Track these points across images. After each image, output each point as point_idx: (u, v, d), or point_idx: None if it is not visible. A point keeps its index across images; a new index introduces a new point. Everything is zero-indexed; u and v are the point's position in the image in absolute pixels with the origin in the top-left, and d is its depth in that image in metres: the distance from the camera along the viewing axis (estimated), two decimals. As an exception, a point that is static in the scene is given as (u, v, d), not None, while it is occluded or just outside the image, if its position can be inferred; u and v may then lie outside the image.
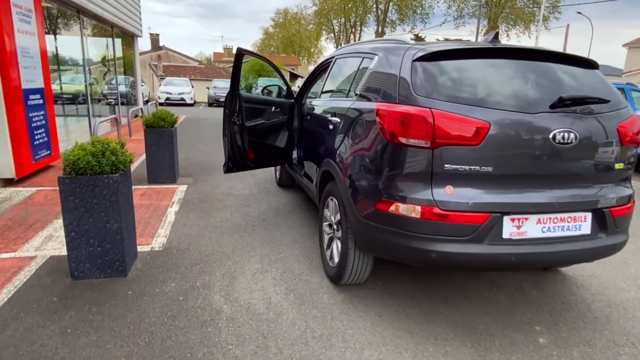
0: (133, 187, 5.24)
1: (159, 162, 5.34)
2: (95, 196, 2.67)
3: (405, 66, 2.33)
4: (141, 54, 33.90)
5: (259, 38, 57.97)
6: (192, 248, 3.42)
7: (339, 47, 3.84)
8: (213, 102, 21.66)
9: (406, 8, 41.44)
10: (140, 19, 12.95)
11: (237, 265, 3.14)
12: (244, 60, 3.91)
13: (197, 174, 6.07)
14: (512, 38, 36.13)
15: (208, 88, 22.95)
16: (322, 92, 3.72)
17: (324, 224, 3.13)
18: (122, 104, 11.98)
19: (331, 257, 2.94)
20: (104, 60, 11.03)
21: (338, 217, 2.80)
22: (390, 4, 42.10)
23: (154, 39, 35.43)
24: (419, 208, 2.15)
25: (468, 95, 2.18)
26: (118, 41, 11.76)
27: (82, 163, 2.62)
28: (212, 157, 7.35)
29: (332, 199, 2.93)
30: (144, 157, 5.63)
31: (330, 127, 3.05)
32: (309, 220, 4.20)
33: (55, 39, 7.98)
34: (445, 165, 2.12)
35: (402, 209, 2.19)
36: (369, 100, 2.60)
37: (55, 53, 7.96)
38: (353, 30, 46.34)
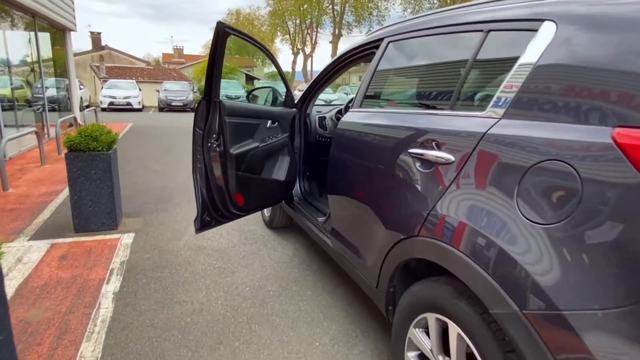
0: (50, 241, 3.54)
1: (91, 201, 3.62)
2: None
3: None
4: (80, 54, 30.87)
5: (210, 39, 55.30)
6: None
7: (393, 23, 2.11)
8: (164, 107, 19.47)
9: (362, 10, 41.44)
10: (74, 10, 10.84)
11: None
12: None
13: (149, 210, 4.37)
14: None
15: (158, 91, 20.68)
16: (370, 98, 2.22)
17: (411, 354, 1.64)
18: (54, 110, 9.86)
19: None
20: (26, 59, 8.91)
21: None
22: (346, 5, 41.91)
23: (95, 37, 32.26)
24: None
25: None
26: (45, 36, 9.65)
27: None
28: (169, 181, 5.63)
29: (438, 320, 1.45)
30: (66, 192, 3.83)
31: (422, 169, 1.56)
32: (340, 301, 2.68)
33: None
34: None
35: None
36: (548, 119, 1.16)
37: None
38: (309, 31, 45.71)
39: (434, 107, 1.71)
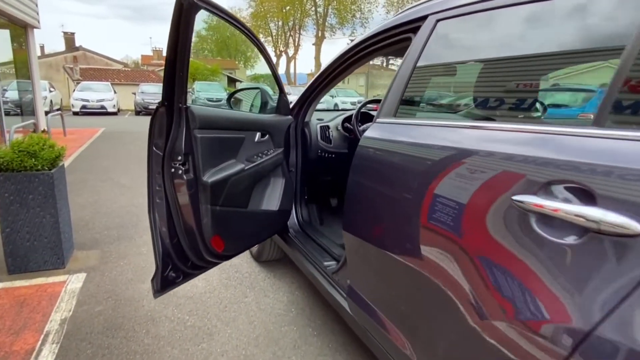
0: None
1: (29, 234, 2.83)
2: None
3: None
4: (53, 54, 29.49)
5: (192, 41, 54.32)
6: None
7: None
8: (141, 110, 18.47)
9: (345, 12, 41.35)
10: (36, 5, 9.89)
11: None
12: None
13: (110, 238, 3.58)
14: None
15: (134, 94, 19.67)
16: (410, 104, 1.51)
17: None
18: (17, 115, 8.91)
19: None
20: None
21: None
22: (329, 7, 41.78)
23: (69, 38, 30.85)
24: None
25: None
26: (3, 33, 8.72)
27: None
28: (138, 198, 4.84)
29: None
30: None
31: (552, 238, 0.86)
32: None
33: None
34: None
35: None
36: None
37: None
38: (292, 33, 45.38)
39: (557, 122, 1.03)
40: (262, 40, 45.30)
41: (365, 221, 1.54)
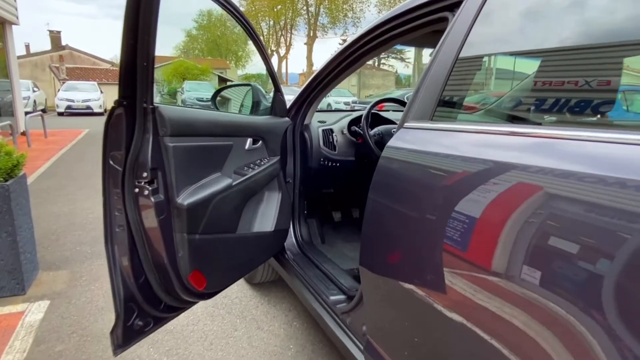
0: None
1: (-19, 256, 2.42)
2: None
3: None
4: (39, 54, 28.73)
5: (182, 41, 53.92)
6: None
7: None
8: None
9: (337, 11, 41.23)
10: (15, 0, 9.39)
11: None
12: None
13: (82, 255, 3.17)
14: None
15: None
16: (452, 105, 1.14)
17: None
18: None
19: None
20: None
21: None
22: (321, 7, 41.65)
23: (55, 36, 30.11)
24: None
25: None
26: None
27: None
28: (118, 208, 4.41)
29: None
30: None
31: None
32: None
33: None
34: None
35: None
36: None
37: None
38: (283, 33, 45.13)
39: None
40: (254, 39, 45.46)
41: (391, 255, 1.17)
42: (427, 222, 1.01)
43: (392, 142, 1.18)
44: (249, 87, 2.16)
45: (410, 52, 39.98)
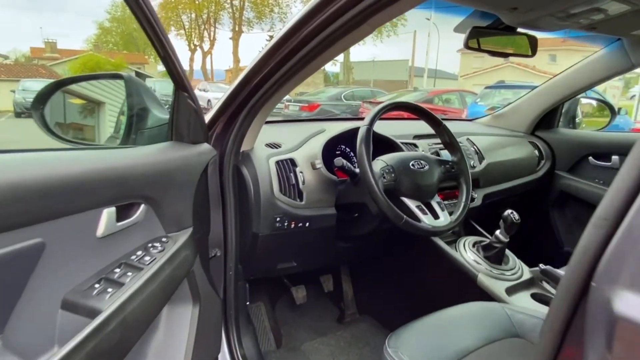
0: None
1: None
2: None
3: None
4: None
5: (94, 33, 50.16)
6: None
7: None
8: (22, 112, 15.90)
9: (263, 6, 40.48)
10: None
11: None
12: None
13: None
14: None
15: (14, 92, 16.90)
16: None
17: None
18: None
19: None
20: None
21: None
22: (246, 1, 40.69)
23: None
24: None
25: None
26: None
27: None
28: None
29: None
30: None
31: None
32: None
33: None
34: None
35: None
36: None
37: None
38: (206, 27, 43.42)
39: None
40: (175, 33, 42.85)
41: None
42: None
43: None
44: (121, 80, 1.07)
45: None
